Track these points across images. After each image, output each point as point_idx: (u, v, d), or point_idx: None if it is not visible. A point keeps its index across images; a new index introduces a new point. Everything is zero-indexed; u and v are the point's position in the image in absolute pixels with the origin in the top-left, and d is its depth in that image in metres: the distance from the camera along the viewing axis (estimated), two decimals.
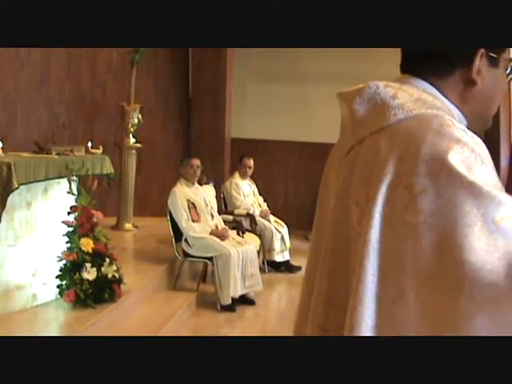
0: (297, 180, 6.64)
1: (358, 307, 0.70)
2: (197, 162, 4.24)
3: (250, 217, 4.90)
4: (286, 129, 6.49)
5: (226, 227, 4.34)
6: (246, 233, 4.57)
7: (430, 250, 0.67)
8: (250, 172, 5.21)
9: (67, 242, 3.01)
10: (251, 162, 5.21)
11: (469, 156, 0.69)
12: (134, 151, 5.33)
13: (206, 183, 4.61)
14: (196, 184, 4.30)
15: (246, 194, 5.17)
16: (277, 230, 5.08)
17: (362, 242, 0.72)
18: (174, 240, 4.15)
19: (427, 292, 0.67)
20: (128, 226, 5.30)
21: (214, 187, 4.68)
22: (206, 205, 4.25)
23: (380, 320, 0.70)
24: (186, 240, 4.09)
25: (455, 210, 0.67)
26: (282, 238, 5.09)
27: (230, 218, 4.75)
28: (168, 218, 4.13)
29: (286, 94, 6.42)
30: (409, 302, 0.68)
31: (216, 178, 5.25)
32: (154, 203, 6.02)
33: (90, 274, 2.95)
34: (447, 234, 0.67)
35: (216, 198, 4.57)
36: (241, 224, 4.61)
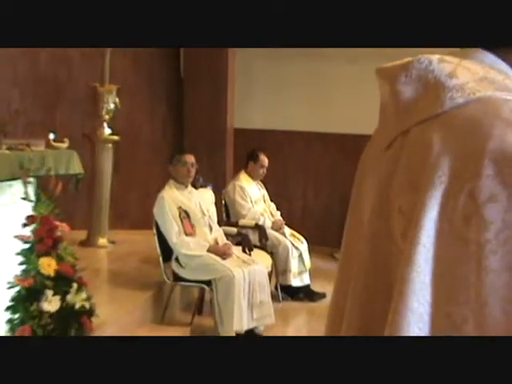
0: (319, 182, 6.66)
1: None
2: (191, 158, 4.24)
3: (260, 229, 4.93)
4: (303, 117, 6.54)
5: (229, 242, 4.34)
6: (255, 250, 4.58)
7: (504, 277, 0.67)
8: (264, 173, 5.24)
9: (22, 263, 2.97)
10: (266, 160, 5.23)
11: None
12: (109, 145, 5.36)
13: (202, 186, 4.66)
14: (190, 187, 4.31)
15: (255, 199, 5.19)
16: (294, 246, 5.08)
17: (405, 263, 0.72)
18: (161, 259, 4.15)
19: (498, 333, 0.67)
20: (102, 241, 5.35)
21: (213, 191, 4.73)
22: (203, 214, 4.25)
23: None
24: (176, 259, 4.09)
25: None
26: (301, 256, 5.10)
27: (234, 230, 4.75)
28: (154, 230, 4.14)
29: (302, 75, 6.46)
30: None
31: (216, 179, 5.30)
32: (136, 212, 6.07)
33: (51, 304, 2.90)
34: None
35: (215, 205, 4.62)
36: (247, 238, 4.63)
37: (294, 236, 5.17)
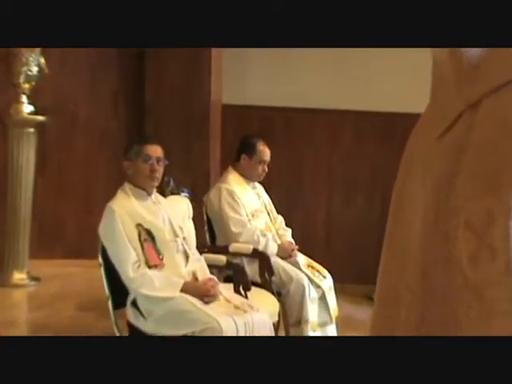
0: (351, 184, 6.73)
1: None
2: (156, 151, 4.23)
3: (260, 257, 4.93)
4: (322, 89, 6.65)
5: (214, 278, 4.31)
6: (253, 289, 4.58)
7: None
8: (264, 171, 5.30)
9: None
10: (268, 152, 5.29)
11: None
12: (30, 130, 5.43)
13: (174, 193, 4.73)
14: (155, 195, 4.29)
15: (252, 210, 5.22)
16: (312, 283, 5.08)
17: (478, 309, 0.80)
18: (110, 304, 4.11)
19: None
20: (19, 277, 5.40)
21: (191, 200, 4.74)
22: (175, 235, 4.24)
23: None
24: (134, 304, 4.05)
25: None
26: (323, 298, 5.12)
27: (222, 259, 4.71)
28: (100, 260, 4.11)
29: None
30: None
31: (194, 181, 5.44)
32: (72, 233, 6.18)
33: None
34: None
35: (193, 220, 4.62)
36: (242, 272, 4.65)
37: (312, 268, 5.17)
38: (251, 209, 5.20)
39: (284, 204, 5.59)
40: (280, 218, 5.46)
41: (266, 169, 5.27)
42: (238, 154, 5.27)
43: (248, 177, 5.26)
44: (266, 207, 5.38)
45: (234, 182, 5.20)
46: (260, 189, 5.40)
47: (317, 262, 5.23)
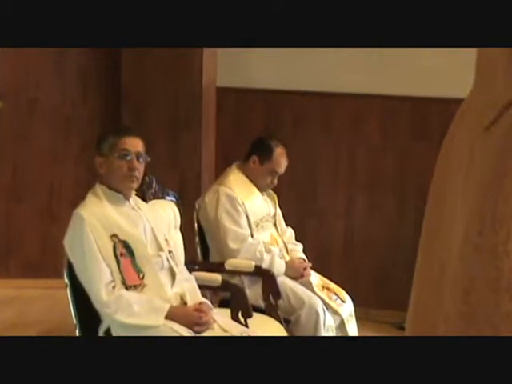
0: (378, 184, 6.70)
1: None
2: (136, 144, 4.27)
3: (264, 276, 4.98)
4: (341, 69, 6.65)
5: (207, 302, 4.36)
6: (255, 315, 4.61)
7: None
8: (272, 183, 5.35)
9: None
10: (285, 164, 5.31)
11: None
12: None
13: (157, 196, 4.72)
14: (134, 198, 4.33)
15: (257, 219, 5.26)
16: (328, 307, 5.11)
17: None
18: (79, 334, 4.16)
19: None
20: None
21: (178, 206, 4.80)
22: (159, 248, 4.27)
23: None
24: (108, 333, 4.10)
25: None
26: (341, 327, 5.16)
27: (218, 278, 4.74)
28: (66, 279, 4.13)
29: None
30: None
31: (182, 182, 5.47)
32: (31, 246, 6.16)
33: None
34: None
35: (182, 230, 4.65)
36: (241, 294, 4.67)
37: (328, 290, 5.22)
38: (256, 218, 5.23)
39: (294, 210, 5.59)
40: (290, 231, 5.49)
41: (276, 182, 5.29)
42: (249, 154, 5.29)
43: (253, 180, 5.29)
44: (273, 216, 5.40)
45: (237, 185, 5.22)
46: (270, 194, 5.43)
47: (334, 282, 5.25)
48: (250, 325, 4.42)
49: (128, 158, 4.17)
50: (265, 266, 5.02)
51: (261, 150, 5.24)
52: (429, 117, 6.23)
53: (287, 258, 5.22)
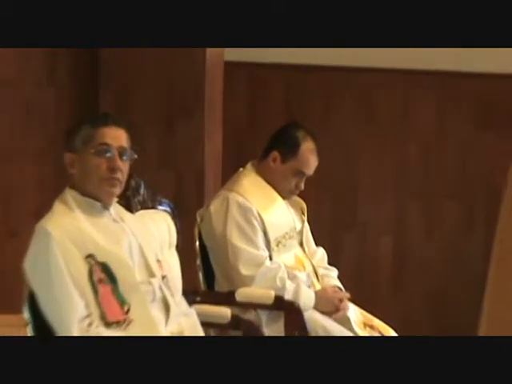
0: (430, 186, 6.75)
1: None
2: (117, 135, 4.30)
3: (287, 310, 5.06)
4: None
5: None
6: None
7: None
8: (293, 192, 5.40)
9: None
10: (315, 163, 5.33)
11: None
12: None
13: (146, 206, 4.77)
14: (116, 207, 4.37)
15: (279, 236, 5.29)
16: None
17: None
18: None
19: None
20: None
21: (173, 218, 4.86)
22: (150, 273, 4.31)
23: None
24: None
25: None
26: None
27: (226, 313, 4.79)
28: (26, 315, 4.17)
29: None
30: None
31: (178, 187, 5.57)
32: None
33: None
34: None
35: (178, 250, 4.70)
36: (256, 333, 4.78)
37: (372, 328, 5.31)
38: (276, 234, 5.24)
39: (327, 224, 5.63)
40: (321, 251, 5.55)
41: (302, 186, 5.29)
42: (267, 149, 5.29)
43: (272, 186, 5.28)
44: (299, 231, 5.42)
45: (252, 191, 5.25)
46: (296, 202, 5.47)
47: (380, 318, 5.28)
48: None
49: (108, 154, 4.17)
50: (288, 296, 5.04)
51: (283, 144, 5.24)
52: (496, 97, 6.26)
53: (318, 287, 5.26)
